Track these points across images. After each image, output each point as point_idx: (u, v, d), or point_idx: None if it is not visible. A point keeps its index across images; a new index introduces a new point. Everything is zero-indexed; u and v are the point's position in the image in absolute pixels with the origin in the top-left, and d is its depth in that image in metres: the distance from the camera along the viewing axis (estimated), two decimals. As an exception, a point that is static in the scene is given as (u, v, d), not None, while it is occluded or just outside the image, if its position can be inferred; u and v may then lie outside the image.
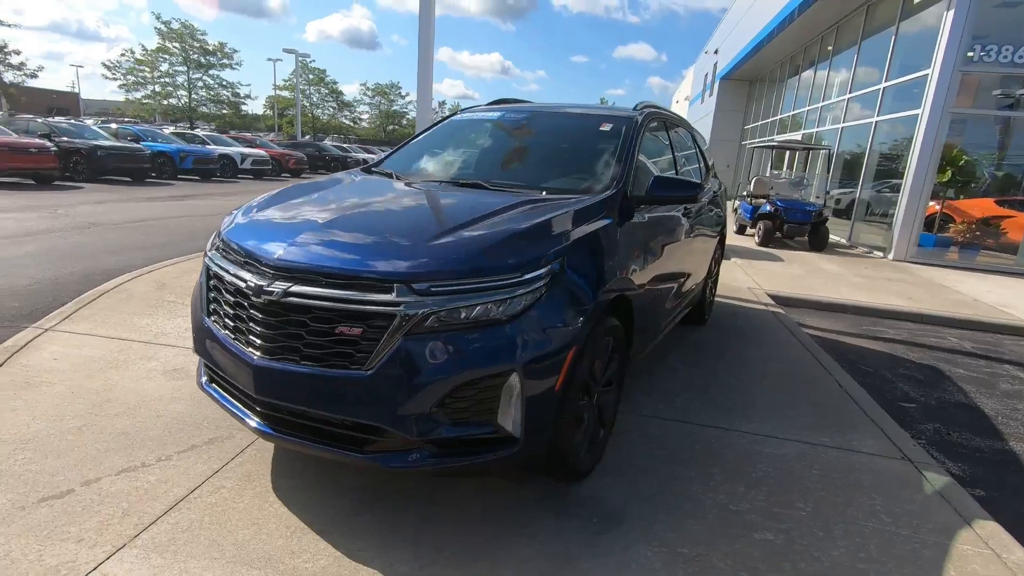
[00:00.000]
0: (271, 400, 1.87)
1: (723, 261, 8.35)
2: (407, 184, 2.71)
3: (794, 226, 10.11)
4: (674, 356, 4.00)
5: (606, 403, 2.47)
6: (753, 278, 7.12)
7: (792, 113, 16.22)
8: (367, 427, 1.78)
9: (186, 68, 36.37)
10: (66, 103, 48.91)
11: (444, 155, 3.23)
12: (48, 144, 13.61)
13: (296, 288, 1.80)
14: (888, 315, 6.17)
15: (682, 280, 3.50)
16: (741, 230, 11.72)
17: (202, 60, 36.56)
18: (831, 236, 11.88)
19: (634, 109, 3.26)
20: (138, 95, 35.81)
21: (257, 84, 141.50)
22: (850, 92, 12.20)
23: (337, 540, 1.93)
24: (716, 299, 5.74)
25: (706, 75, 26.96)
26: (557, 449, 2.06)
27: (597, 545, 1.97)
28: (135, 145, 16.65)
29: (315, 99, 50.32)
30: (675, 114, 4.00)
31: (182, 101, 36.72)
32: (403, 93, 56.06)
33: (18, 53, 27.23)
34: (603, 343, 2.25)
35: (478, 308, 1.75)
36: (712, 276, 4.73)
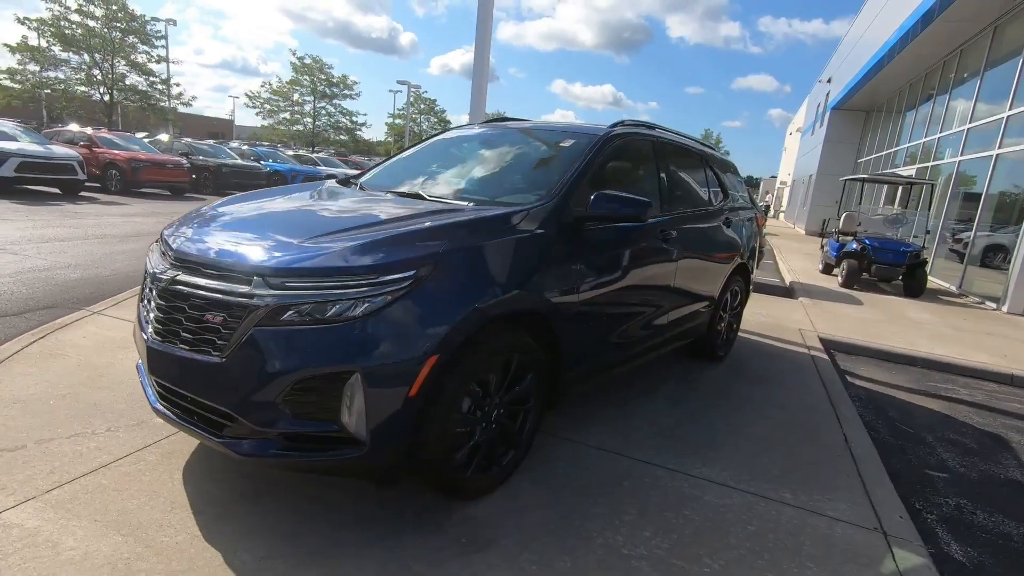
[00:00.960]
0: (159, 379, 2.02)
1: (790, 300, 7.71)
2: (351, 194, 2.83)
3: (884, 267, 9.06)
4: (665, 389, 3.74)
5: (515, 423, 2.38)
6: (812, 319, 6.47)
7: (908, 146, 14.68)
8: (225, 413, 1.87)
9: (313, 98, 40.67)
10: (223, 129, 56.49)
11: (413, 168, 3.33)
12: (183, 161, 15.73)
13: (181, 276, 1.96)
14: (967, 372, 5.31)
15: (661, 307, 3.29)
16: (827, 269, 10.70)
17: (327, 91, 40.77)
18: (937, 282, 10.51)
19: (610, 126, 3.16)
20: (272, 122, 40.56)
21: (379, 113, 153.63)
22: (969, 122, 10.84)
23: (207, 521, 2.02)
24: (751, 337, 5.30)
25: (818, 105, 25.22)
26: (430, 461, 2.02)
27: (444, 566, 1.89)
28: (255, 164, 18.74)
29: (424, 126, 53.69)
30: (675, 134, 3.81)
31: (307, 127, 40.89)
32: (509, 122, 58.58)
33: (177, 85, 31.99)
34: (500, 358, 2.19)
35: (329, 307, 1.79)
36: (729, 308, 4.38)
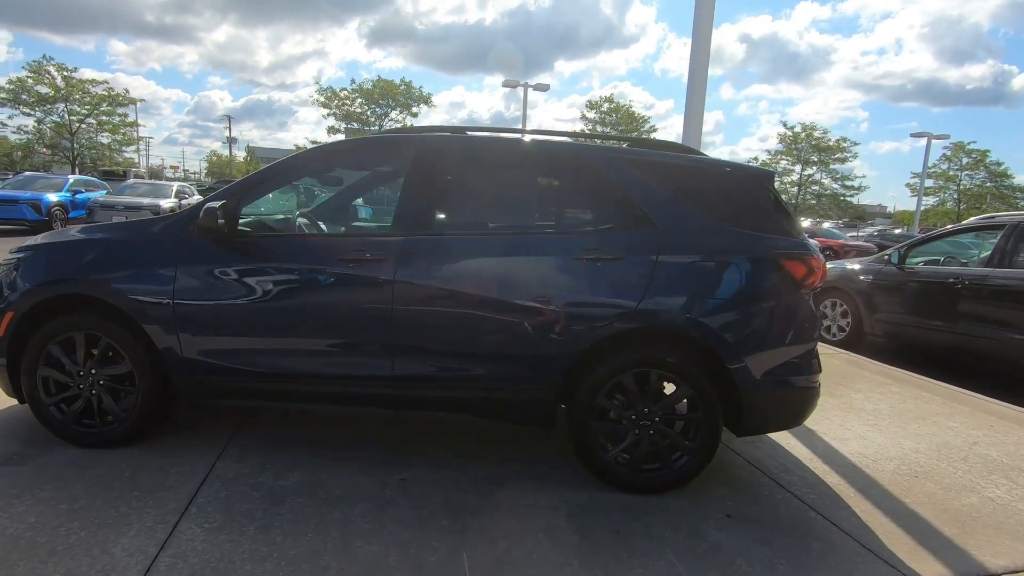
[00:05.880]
0: None
1: None
2: None
3: None
4: (439, 475, 2.74)
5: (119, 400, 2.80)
6: None
7: None
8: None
9: (800, 166, 38.64)
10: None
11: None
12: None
13: None
14: None
15: (355, 346, 2.68)
16: None
17: (813, 158, 37.94)
18: None
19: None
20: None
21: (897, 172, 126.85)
22: None
23: None
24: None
25: None
26: (29, 395, 2.81)
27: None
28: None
29: (965, 184, 41.40)
30: (515, 137, 2.78)
31: (792, 199, 39.05)
32: None
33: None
34: (83, 335, 2.74)
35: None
36: (647, 406, 2.59)
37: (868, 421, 3.87)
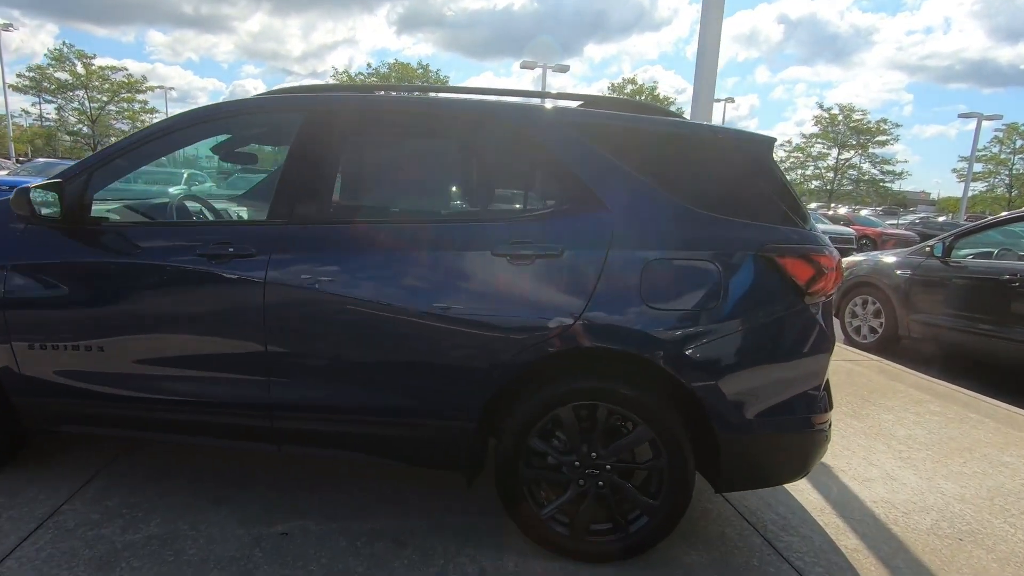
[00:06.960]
0: None
1: None
2: None
3: None
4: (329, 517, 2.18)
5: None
6: None
7: None
8: None
9: (836, 149, 36.69)
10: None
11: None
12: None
13: None
14: None
15: (225, 365, 2.08)
16: None
17: (851, 141, 35.87)
18: None
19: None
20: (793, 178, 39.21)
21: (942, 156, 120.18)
22: None
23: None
24: None
25: None
26: None
27: None
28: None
29: (1020, 170, 38.78)
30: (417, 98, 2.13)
31: (829, 181, 37.18)
32: None
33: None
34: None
35: None
36: (563, 442, 1.96)
37: (900, 452, 3.14)
